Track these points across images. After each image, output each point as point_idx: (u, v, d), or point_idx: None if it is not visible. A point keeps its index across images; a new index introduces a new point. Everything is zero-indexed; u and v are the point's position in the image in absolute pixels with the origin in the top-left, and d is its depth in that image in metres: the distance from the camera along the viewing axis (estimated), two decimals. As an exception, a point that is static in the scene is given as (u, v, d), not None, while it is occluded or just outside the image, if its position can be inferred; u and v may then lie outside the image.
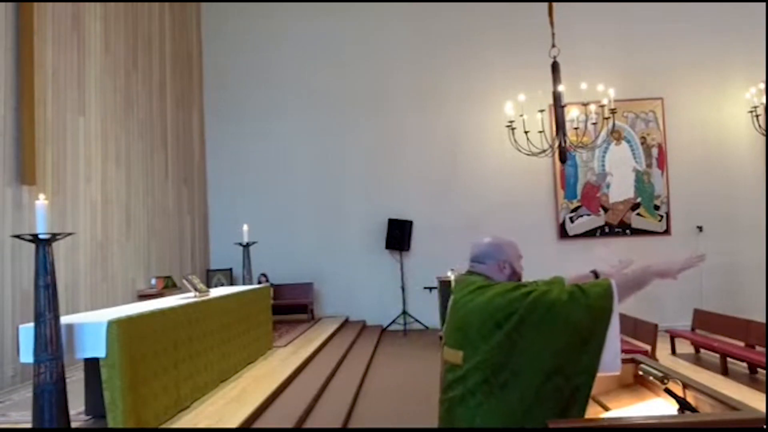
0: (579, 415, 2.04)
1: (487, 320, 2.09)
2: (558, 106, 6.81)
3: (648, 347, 6.54)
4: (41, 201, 3.52)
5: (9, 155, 5.58)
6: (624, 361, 2.84)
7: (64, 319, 3.74)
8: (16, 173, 5.65)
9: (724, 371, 6.38)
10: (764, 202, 9.22)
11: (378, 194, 10.10)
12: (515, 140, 7.24)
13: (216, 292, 6.00)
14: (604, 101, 6.84)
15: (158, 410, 3.95)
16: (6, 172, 5.54)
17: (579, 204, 9.86)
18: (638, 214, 9.78)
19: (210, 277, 9.86)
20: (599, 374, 2.06)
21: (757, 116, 8.99)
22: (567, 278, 2.59)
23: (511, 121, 7.27)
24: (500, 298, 2.11)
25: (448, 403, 2.17)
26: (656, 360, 4.85)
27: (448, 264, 7.90)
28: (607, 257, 2.73)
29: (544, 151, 7.29)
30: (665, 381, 2.42)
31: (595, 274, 2.62)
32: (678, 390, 2.36)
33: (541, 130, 7.24)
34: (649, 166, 9.82)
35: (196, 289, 5.36)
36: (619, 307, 2.08)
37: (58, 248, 4.57)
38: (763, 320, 6.70)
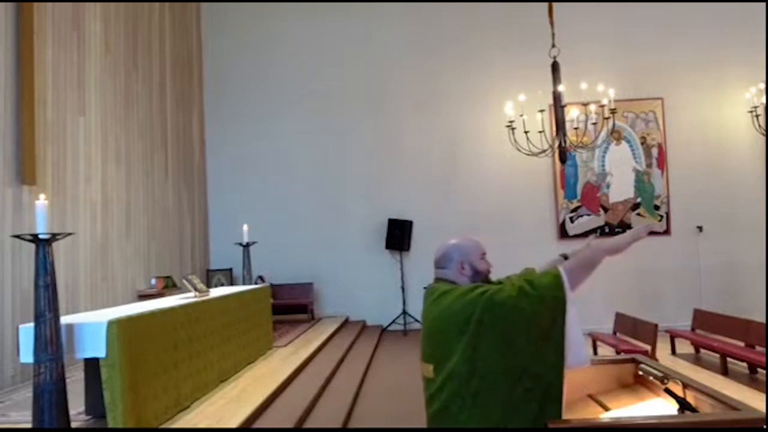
0: (556, 414, 1.99)
1: (449, 328, 2.04)
2: (558, 106, 6.81)
3: (648, 347, 6.55)
4: (41, 201, 3.52)
5: (9, 155, 5.58)
6: (624, 361, 2.85)
7: (64, 319, 3.74)
8: (16, 173, 5.65)
9: (724, 371, 6.39)
10: (764, 202, 9.22)
11: (378, 194, 10.11)
12: (515, 140, 7.24)
13: (216, 292, 6.00)
14: (604, 101, 6.84)
15: (158, 410, 3.95)
16: (6, 172, 5.54)
17: (579, 204, 9.86)
18: (638, 214, 9.78)
19: (210, 277, 9.86)
20: (568, 369, 2.00)
21: (757, 116, 8.99)
22: (539, 268, 2.52)
23: (511, 121, 7.27)
24: (457, 302, 2.06)
25: (430, 419, 2.13)
26: (656, 360, 4.85)
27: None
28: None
29: (544, 151, 7.29)
30: (665, 381, 2.42)
31: (565, 257, 2.58)
32: (678, 390, 2.36)
33: (541, 130, 7.24)
34: (649, 166, 9.82)
35: (196, 289, 5.36)
36: (575, 294, 2.00)
37: (58, 248, 4.57)
38: (763, 320, 6.70)
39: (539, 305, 1.97)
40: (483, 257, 2.34)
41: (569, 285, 2.00)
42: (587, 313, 8.97)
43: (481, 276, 2.29)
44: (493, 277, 2.38)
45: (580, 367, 2.09)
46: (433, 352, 2.11)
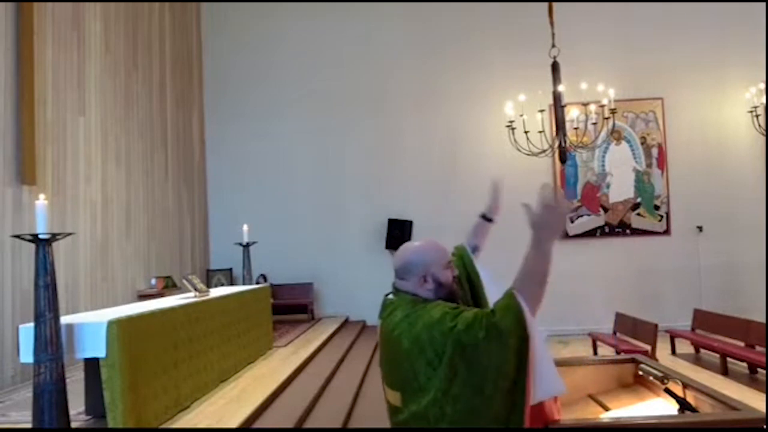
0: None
1: (418, 360, 1.89)
2: (558, 106, 6.81)
3: (648, 347, 6.55)
4: (41, 201, 3.52)
5: (9, 155, 5.58)
6: (624, 361, 2.85)
7: (64, 319, 3.74)
8: (16, 173, 5.65)
9: (724, 371, 6.39)
10: (764, 202, 9.22)
11: (378, 194, 10.10)
12: (515, 140, 7.24)
13: (216, 292, 6.00)
14: (604, 101, 6.85)
15: (158, 410, 3.95)
16: (6, 172, 5.54)
17: (579, 204, 9.86)
18: (638, 214, 9.78)
19: (210, 277, 9.86)
20: (540, 400, 1.91)
21: (757, 116, 8.99)
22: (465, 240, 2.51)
23: (511, 121, 7.27)
24: (426, 333, 1.89)
25: None
26: (656, 360, 4.85)
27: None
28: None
29: (544, 151, 7.29)
30: (665, 381, 2.42)
31: (485, 217, 2.66)
32: (678, 390, 2.36)
33: (541, 130, 7.25)
34: (649, 166, 9.82)
35: (196, 289, 5.36)
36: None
37: (58, 248, 4.57)
38: (763, 320, 6.71)
39: (506, 351, 1.80)
40: (448, 266, 2.13)
41: (530, 311, 1.83)
42: (587, 313, 8.99)
43: (445, 288, 2.09)
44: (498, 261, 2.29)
45: (557, 395, 1.99)
46: (400, 381, 1.97)
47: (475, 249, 2.61)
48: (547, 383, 1.87)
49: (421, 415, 1.89)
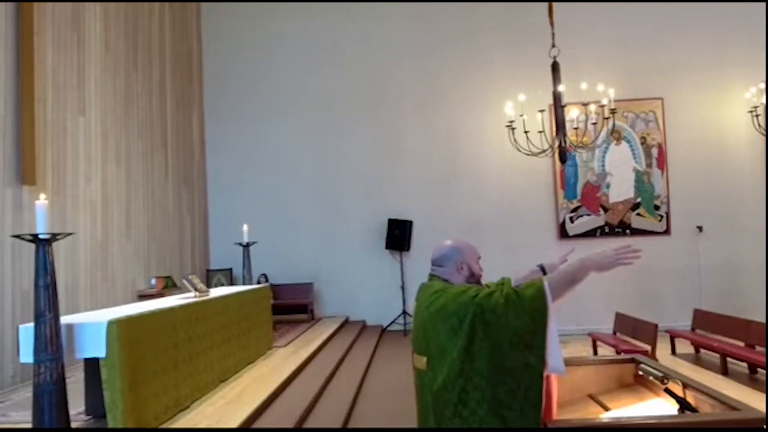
0: (535, 419, 2.08)
1: (443, 327, 2.17)
2: (558, 106, 6.81)
3: (648, 347, 6.55)
4: (41, 201, 3.52)
5: (9, 155, 5.59)
6: (624, 361, 2.86)
7: (64, 319, 3.74)
8: (16, 173, 5.65)
9: (724, 371, 6.38)
10: (764, 202, 9.22)
11: (378, 194, 10.10)
12: (515, 140, 7.24)
13: (216, 292, 6.00)
14: (604, 101, 6.84)
15: (158, 410, 3.95)
16: (6, 172, 5.54)
17: (579, 204, 9.86)
18: (638, 214, 9.78)
19: (210, 277, 9.86)
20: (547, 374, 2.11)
21: (757, 116, 8.99)
22: (515, 278, 2.62)
23: (511, 121, 7.27)
24: (452, 302, 2.19)
25: (422, 410, 2.27)
26: (656, 360, 4.85)
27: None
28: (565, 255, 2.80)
29: (544, 151, 7.29)
30: (665, 381, 2.42)
31: (542, 269, 2.71)
32: (678, 390, 2.36)
33: (541, 130, 7.24)
34: (649, 166, 9.82)
35: (196, 289, 5.36)
36: (556, 305, 2.12)
37: (58, 248, 4.57)
38: (763, 320, 6.71)
39: (523, 316, 2.10)
40: (478, 261, 2.48)
41: (551, 297, 2.12)
42: (587, 313, 8.99)
43: (474, 278, 2.43)
44: (484, 280, 2.50)
45: (558, 375, 2.22)
46: (427, 346, 2.23)
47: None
48: (554, 359, 2.10)
49: (443, 374, 2.14)
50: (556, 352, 2.10)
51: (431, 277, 2.47)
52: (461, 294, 2.20)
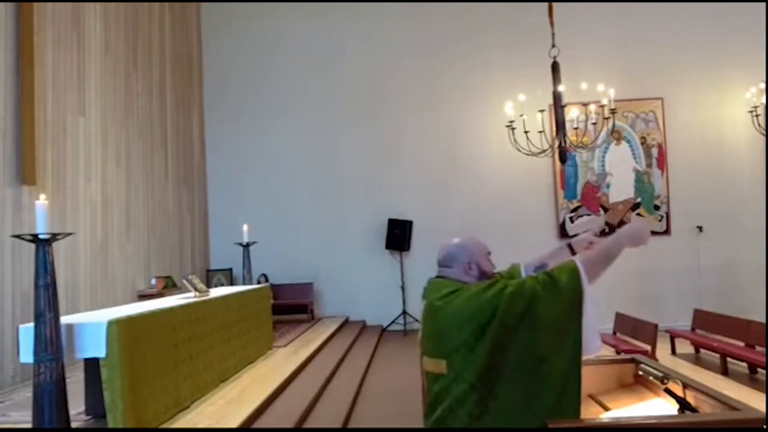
0: (574, 406, 2.00)
1: (465, 324, 2.04)
2: (558, 106, 6.81)
3: (648, 347, 6.55)
4: (41, 201, 3.52)
5: (9, 155, 5.58)
6: (624, 361, 2.85)
7: (64, 319, 3.74)
8: (16, 173, 5.65)
9: (724, 371, 6.39)
10: (764, 202, 9.22)
11: (378, 194, 10.10)
12: (515, 140, 7.24)
13: (216, 292, 6.00)
14: (604, 101, 6.84)
15: (158, 410, 3.95)
16: (6, 172, 5.53)
17: (579, 204, 9.86)
18: (638, 214, 9.78)
19: (210, 277, 9.86)
20: (584, 356, 2.03)
21: (756, 116, 8.99)
22: (540, 256, 2.54)
23: (511, 121, 7.27)
24: (475, 299, 2.06)
25: (438, 417, 2.07)
26: (656, 360, 4.85)
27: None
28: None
29: (544, 151, 7.29)
30: (665, 381, 2.42)
31: (570, 248, 2.59)
32: (678, 390, 2.36)
33: (541, 130, 7.24)
34: (649, 166, 9.82)
35: (196, 289, 5.36)
36: (594, 286, 2.05)
37: (58, 248, 4.57)
38: (763, 320, 6.70)
39: (561, 301, 2.01)
40: (488, 257, 2.35)
41: (587, 278, 2.04)
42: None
43: (486, 276, 2.28)
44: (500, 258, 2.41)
45: (594, 354, 2.13)
46: (445, 347, 2.08)
47: (540, 268, 2.55)
48: (591, 339, 2.03)
49: (467, 370, 2.01)
50: (591, 332, 2.02)
51: (439, 277, 2.32)
52: (486, 289, 2.07)
